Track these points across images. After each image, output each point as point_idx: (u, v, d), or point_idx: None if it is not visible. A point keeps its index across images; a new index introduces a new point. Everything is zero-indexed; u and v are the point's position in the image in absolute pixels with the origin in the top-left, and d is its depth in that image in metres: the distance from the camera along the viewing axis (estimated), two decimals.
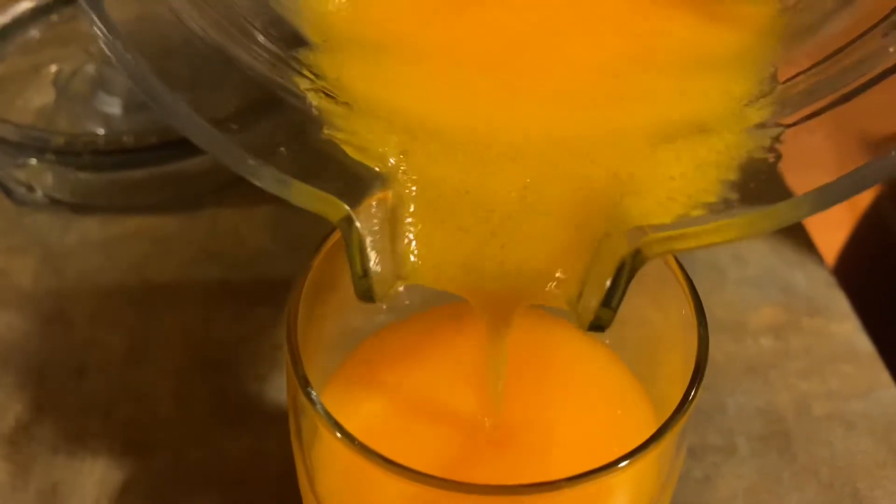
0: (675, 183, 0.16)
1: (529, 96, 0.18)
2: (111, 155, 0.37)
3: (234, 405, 0.33)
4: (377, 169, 0.17)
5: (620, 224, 0.15)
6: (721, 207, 0.15)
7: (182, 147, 0.38)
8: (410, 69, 0.19)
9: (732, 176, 0.15)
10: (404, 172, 0.17)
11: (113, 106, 0.42)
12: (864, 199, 0.64)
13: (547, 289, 0.17)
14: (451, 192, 0.17)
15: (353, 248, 0.16)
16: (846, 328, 0.36)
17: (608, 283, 0.15)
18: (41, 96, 0.43)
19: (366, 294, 0.17)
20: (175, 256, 0.38)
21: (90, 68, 0.43)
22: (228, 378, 0.34)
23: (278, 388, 0.33)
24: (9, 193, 0.40)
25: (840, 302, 0.37)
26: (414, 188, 0.17)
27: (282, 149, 0.17)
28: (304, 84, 0.18)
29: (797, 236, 0.40)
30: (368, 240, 0.16)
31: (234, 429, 0.32)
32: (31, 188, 0.40)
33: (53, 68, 0.44)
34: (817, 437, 0.32)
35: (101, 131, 0.41)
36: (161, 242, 0.39)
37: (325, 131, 0.17)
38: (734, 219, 0.14)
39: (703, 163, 0.16)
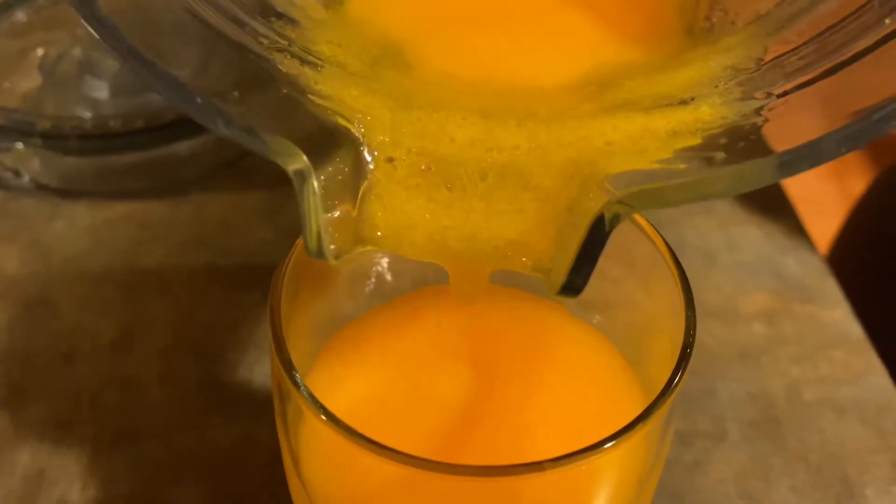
0: (651, 149, 0.15)
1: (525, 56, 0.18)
2: (98, 139, 0.36)
3: (222, 391, 0.32)
4: (352, 131, 0.17)
5: (594, 185, 0.15)
6: (700, 166, 0.15)
7: (170, 131, 0.38)
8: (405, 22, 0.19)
9: (715, 139, 0.15)
10: (381, 139, 0.17)
11: (100, 90, 0.41)
12: (857, 186, 0.64)
13: (516, 257, 0.16)
14: (426, 160, 0.17)
15: (308, 204, 0.16)
16: (837, 315, 0.36)
17: (581, 244, 0.15)
18: (28, 80, 0.42)
19: (317, 252, 0.16)
20: (163, 242, 0.38)
21: (77, 52, 0.43)
22: (217, 364, 0.33)
23: (267, 374, 0.33)
24: None
25: (832, 289, 0.37)
26: (389, 156, 0.17)
27: (236, 94, 0.16)
28: (271, 44, 0.18)
29: (790, 223, 0.40)
30: (326, 199, 0.16)
31: (223, 415, 0.32)
32: (17, 173, 0.39)
33: (40, 52, 0.43)
34: (808, 422, 0.32)
35: (87, 115, 0.40)
36: (149, 228, 0.39)
37: (298, 93, 0.17)
38: (707, 174, 0.14)
39: (681, 130, 0.15)
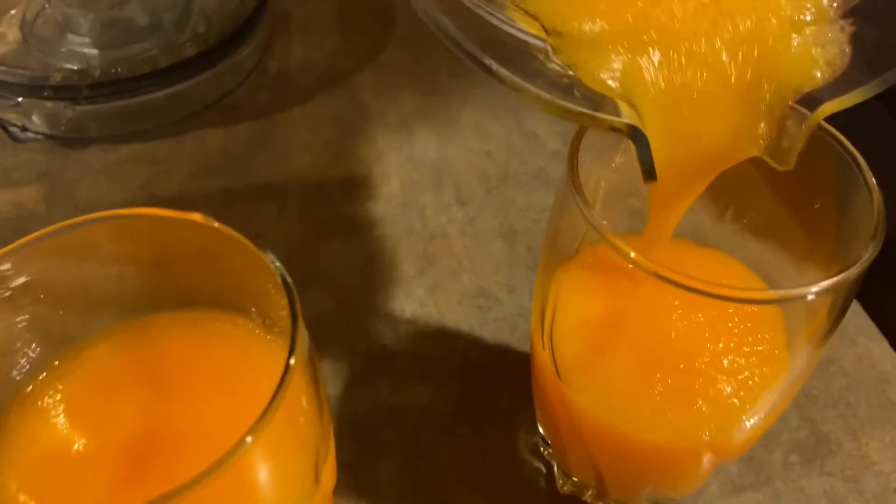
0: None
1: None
2: (106, 86, 0.40)
3: None
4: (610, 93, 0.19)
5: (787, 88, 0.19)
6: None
7: (168, 74, 0.42)
8: None
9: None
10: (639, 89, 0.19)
11: (85, 46, 0.45)
12: None
13: (742, 144, 0.20)
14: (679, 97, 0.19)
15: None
16: None
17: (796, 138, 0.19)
18: (7, 41, 0.45)
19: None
20: (175, 174, 0.43)
21: (52, 11, 0.45)
22: None
23: (299, 268, 0.39)
24: (6, 132, 0.42)
25: None
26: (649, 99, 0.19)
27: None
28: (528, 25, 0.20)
29: None
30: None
31: None
32: (24, 127, 0.43)
33: (14, 12, 0.46)
34: None
35: (77, 69, 0.44)
36: (158, 164, 0.43)
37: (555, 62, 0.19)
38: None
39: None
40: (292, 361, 0.19)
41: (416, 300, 0.38)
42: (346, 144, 0.45)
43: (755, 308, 0.27)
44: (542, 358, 0.28)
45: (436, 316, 0.37)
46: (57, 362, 0.22)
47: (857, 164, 0.21)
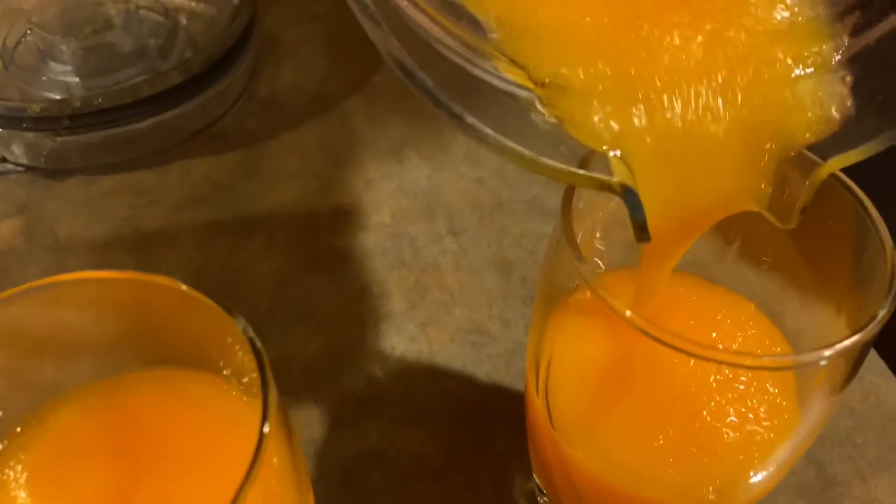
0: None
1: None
2: (89, 116, 0.39)
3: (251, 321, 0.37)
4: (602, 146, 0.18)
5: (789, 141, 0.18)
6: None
7: (152, 104, 0.41)
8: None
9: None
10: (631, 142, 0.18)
11: (66, 74, 0.43)
12: None
13: (742, 200, 0.19)
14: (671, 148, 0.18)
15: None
16: None
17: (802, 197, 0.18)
18: None
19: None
20: (159, 205, 0.41)
21: (33, 38, 0.44)
22: (240, 300, 0.38)
23: (286, 305, 0.37)
24: None
25: None
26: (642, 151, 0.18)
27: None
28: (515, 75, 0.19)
29: None
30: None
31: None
32: (3, 158, 0.41)
33: None
34: None
35: (58, 97, 0.43)
36: (142, 195, 0.42)
37: (541, 114, 0.18)
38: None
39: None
40: (266, 430, 0.18)
41: (407, 336, 0.36)
42: (335, 173, 0.44)
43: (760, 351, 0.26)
44: (536, 404, 0.27)
45: (427, 353, 0.36)
46: (20, 429, 0.21)
47: (871, 218, 0.20)
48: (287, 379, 0.35)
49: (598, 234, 0.30)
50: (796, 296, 0.28)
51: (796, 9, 0.20)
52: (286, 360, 0.35)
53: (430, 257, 0.40)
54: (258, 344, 0.19)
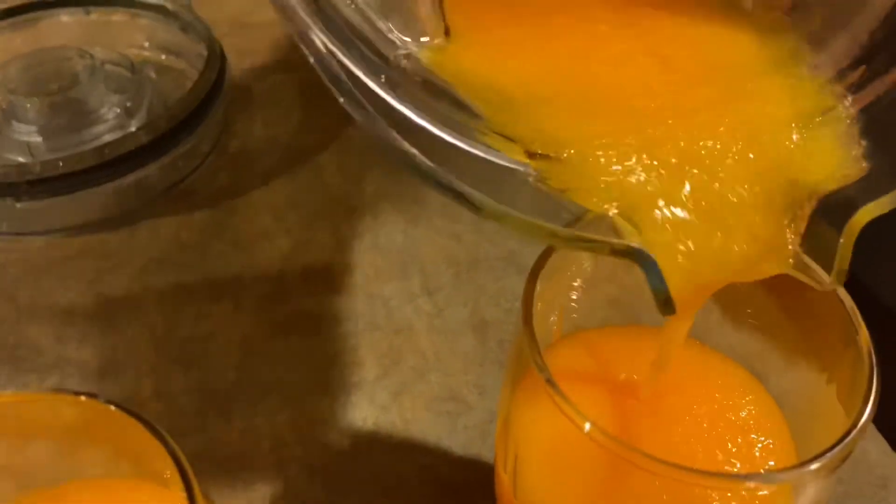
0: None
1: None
2: (50, 181, 0.38)
3: (215, 395, 0.36)
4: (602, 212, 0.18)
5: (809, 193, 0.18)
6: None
7: (117, 165, 0.40)
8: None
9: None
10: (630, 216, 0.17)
11: (30, 134, 0.42)
12: None
13: (759, 265, 0.18)
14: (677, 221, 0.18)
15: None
16: None
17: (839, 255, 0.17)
18: None
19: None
20: (125, 269, 0.40)
21: None
22: (204, 371, 0.36)
23: (253, 374, 0.36)
24: None
25: None
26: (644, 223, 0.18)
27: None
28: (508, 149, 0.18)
29: None
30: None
31: (222, 415, 0.35)
32: None
33: None
34: None
35: (22, 160, 0.42)
36: (108, 258, 0.41)
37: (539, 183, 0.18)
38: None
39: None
40: None
41: (379, 406, 0.35)
42: (307, 231, 0.43)
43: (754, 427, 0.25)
44: (503, 480, 0.26)
45: (400, 425, 0.34)
46: None
47: (857, 333, 0.19)
48: (254, 454, 0.33)
49: (574, 295, 0.29)
50: (779, 353, 0.27)
51: (799, 70, 0.20)
52: (253, 433, 0.34)
53: (403, 319, 0.38)
54: (186, 466, 0.18)
